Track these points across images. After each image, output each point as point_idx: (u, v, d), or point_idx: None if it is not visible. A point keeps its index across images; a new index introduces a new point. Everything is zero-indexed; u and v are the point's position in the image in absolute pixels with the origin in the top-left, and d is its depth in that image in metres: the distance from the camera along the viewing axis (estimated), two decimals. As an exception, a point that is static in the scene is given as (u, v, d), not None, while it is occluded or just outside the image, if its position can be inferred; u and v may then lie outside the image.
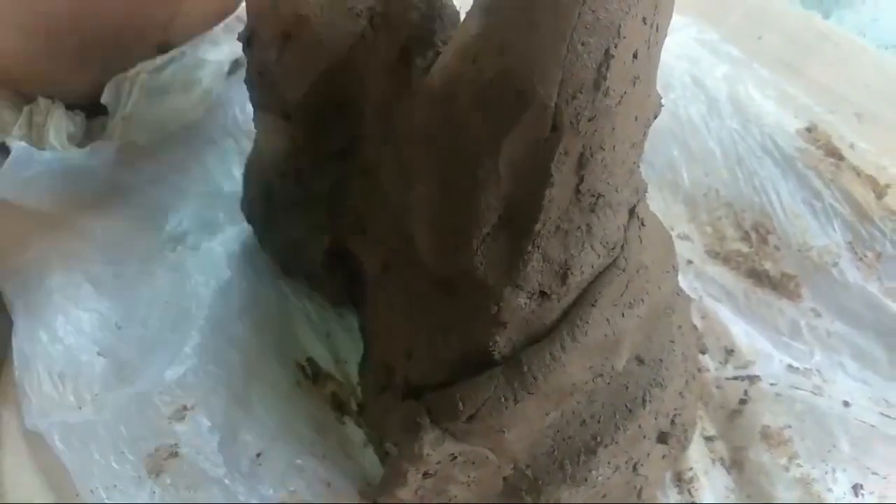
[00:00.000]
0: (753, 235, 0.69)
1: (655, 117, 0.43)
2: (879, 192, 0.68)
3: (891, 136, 0.74)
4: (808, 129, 0.72)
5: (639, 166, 0.44)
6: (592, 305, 0.44)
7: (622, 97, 0.38)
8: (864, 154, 0.71)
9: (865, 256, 0.66)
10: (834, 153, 0.70)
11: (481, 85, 0.40)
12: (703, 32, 0.82)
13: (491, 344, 0.44)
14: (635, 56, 0.38)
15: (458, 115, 0.42)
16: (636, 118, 0.41)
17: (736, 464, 0.60)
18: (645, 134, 0.43)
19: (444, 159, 0.44)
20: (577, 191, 0.41)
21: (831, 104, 0.76)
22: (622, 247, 0.45)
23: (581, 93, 0.37)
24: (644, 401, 0.50)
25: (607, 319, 0.44)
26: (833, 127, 0.73)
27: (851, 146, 0.71)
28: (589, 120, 0.38)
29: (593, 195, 0.41)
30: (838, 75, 0.79)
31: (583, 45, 0.36)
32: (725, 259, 0.69)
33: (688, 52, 0.79)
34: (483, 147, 0.40)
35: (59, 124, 0.76)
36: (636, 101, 0.40)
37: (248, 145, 0.76)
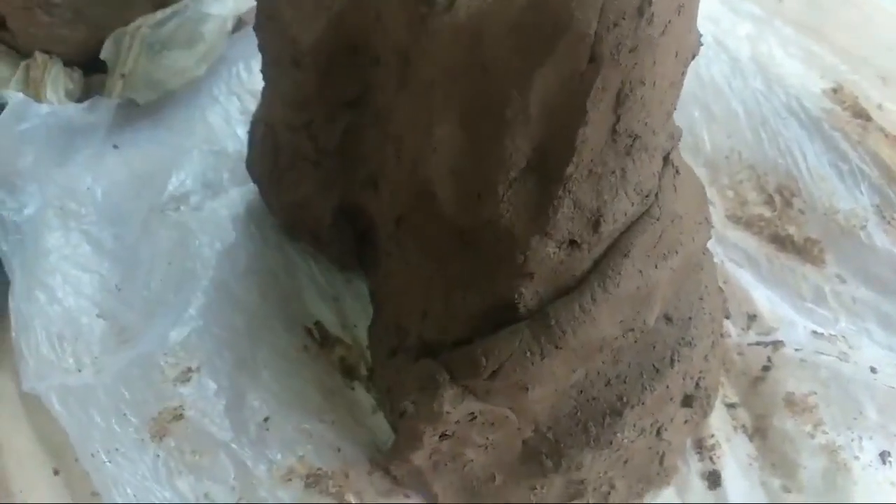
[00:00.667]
0: (777, 199, 0.67)
1: (694, 56, 0.41)
2: (908, 154, 0.66)
3: (917, 100, 0.71)
4: (835, 90, 0.70)
5: (675, 109, 0.42)
6: (625, 256, 0.42)
7: (666, 27, 0.35)
8: (892, 115, 0.68)
9: (894, 220, 0.64)
10: (861, 114, 0.68)
11: (512, 15, 0.37)
12: (724, -10, 0.79)
13: (516, 297, 0.42)
14: (680, -18, 0.35)
15: (485, 52, 0.39)
16: (677, 54, 0.38)
17: (759, 431, 0.58)
18: (683, 73, 0.41)
19: (469, 100, 0.41)
20: (614, 131, 0.38)
21: (854, 66, 0.74)
22: (656, 195, 0.42)
23: (624, 19, 0.34)
24: (672, 360, 0.48)
25: (640, 271, 0.42)
26: (859, 88, 0.70)
27: (879, 107, 0.69)
28: (630, 51, 0.35)
29: (630, 136, 0.39)
30: (861, 38, 0.77)
31: (626, -34, 0.34)
32: (747, 224, 0.67)
33: (709, 11, 0.77)
34: (513, 83, 0.38)
35: (56, 80, 0.73)
36: (678, 34, 0.37)
37: (252, 105, 0.74)
